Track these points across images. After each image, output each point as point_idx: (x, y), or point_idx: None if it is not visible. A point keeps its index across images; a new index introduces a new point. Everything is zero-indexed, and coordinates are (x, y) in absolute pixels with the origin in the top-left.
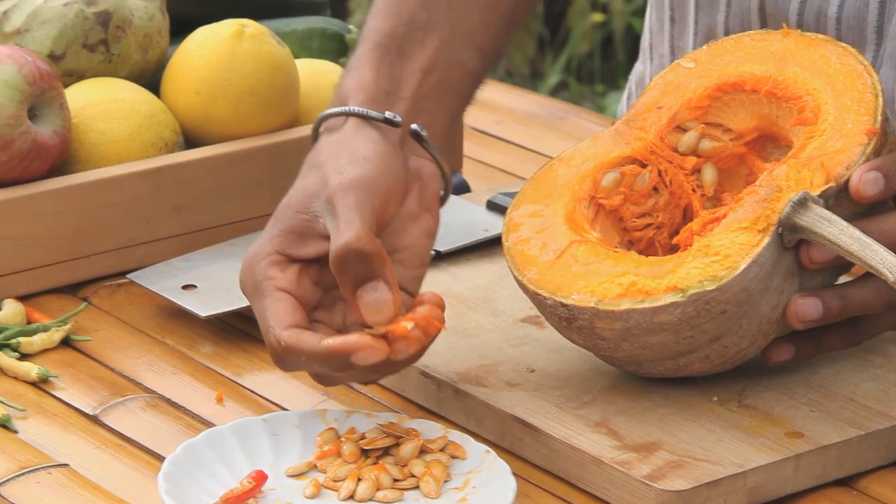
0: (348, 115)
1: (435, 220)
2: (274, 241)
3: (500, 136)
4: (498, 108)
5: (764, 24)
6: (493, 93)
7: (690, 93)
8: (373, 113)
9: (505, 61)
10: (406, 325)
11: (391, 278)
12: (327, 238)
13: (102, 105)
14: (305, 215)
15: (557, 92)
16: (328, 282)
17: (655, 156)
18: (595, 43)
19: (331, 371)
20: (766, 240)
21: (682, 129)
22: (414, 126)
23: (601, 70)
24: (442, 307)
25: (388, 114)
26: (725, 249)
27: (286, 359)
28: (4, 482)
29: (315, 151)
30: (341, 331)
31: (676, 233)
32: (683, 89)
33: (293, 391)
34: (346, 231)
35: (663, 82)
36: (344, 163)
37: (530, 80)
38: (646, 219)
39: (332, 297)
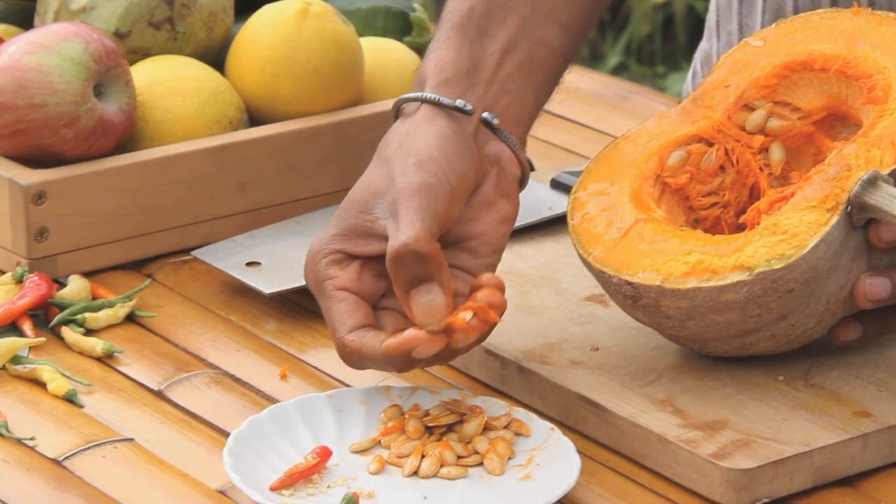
0: (422, 101)
1: (512, 207)
2: (335, 239)
3: (563, 115)
4: (562, 87)
5: (834, 3)
6: None
7: (759, 71)
8: (444, 100)
9: None
10: (464, 315)
11: (447, 282)
12: (387, 238)
13: (167, 83)
14: (368, 216)
15: (617, 73)
16: None
17: (722, 134)
18: (656, 24)
19: (396, 369)
20: (835, 218)
21: (749, 108)
22: (485, 115)
23: (662, 51)
24: (501, 289)
25: (458, 102)
26: (793, 228)
27: (352, 360)
28: (70, 456)
29: (385, 142)
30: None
31: (743, 212)
32: (751, 68)
33: None
34: (405, 231)
35: (731, 61)
36: (411, 164)
37: (590, 61)
38: (712, 198)
39: None
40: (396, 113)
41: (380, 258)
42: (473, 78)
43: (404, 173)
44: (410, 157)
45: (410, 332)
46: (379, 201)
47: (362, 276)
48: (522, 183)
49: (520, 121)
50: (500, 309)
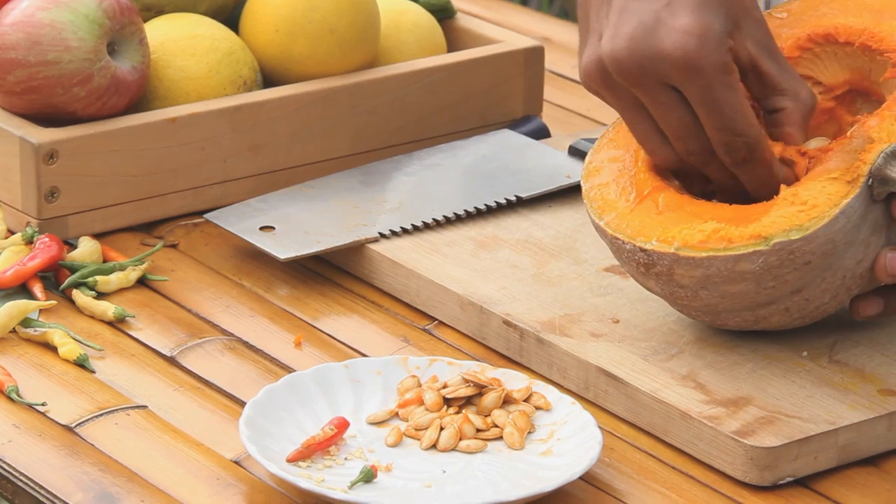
0: None
1: None
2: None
3: (578, 79)
4: (577, 51)
5: None
6: (571, 35)
7: (781, 43)
8: None
9: None
10: None
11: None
12: None
13: (181, 41)
14: None
15: None
16: None
17: None
18: None
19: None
20: (856, 191)
21: None
22: None
23: None
24: None
25: None
26: (813, 199)
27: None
28: (82, 423)
29: None
30: None
31: None
32: (775, 39)
33: (372, 336)
34: None
35: None
36: None
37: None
38: None
39: None
40: None
41: None
42: None
43: None
44: None
45: None
46: None
47: None
48: None
49: None
50: None
